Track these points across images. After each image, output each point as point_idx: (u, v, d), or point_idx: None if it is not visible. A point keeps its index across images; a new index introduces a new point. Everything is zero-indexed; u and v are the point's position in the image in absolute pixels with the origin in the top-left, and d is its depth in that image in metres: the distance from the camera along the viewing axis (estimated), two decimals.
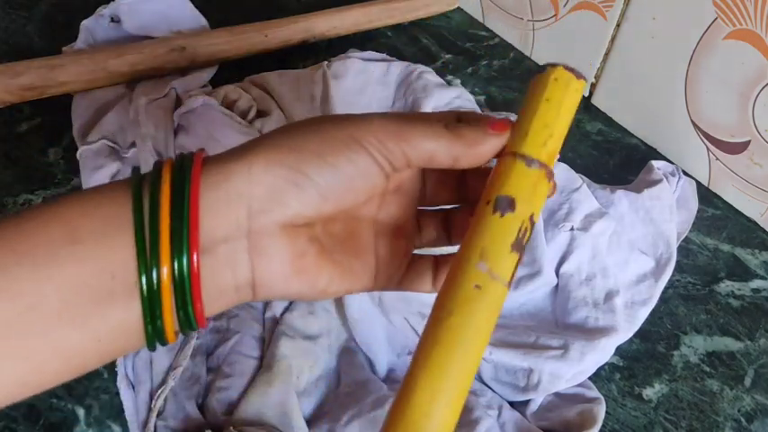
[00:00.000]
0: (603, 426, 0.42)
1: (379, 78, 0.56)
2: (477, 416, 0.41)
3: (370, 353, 0.44)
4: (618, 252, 0.48)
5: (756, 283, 0.52)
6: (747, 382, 0.47)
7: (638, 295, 0.47)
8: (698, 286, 0.51)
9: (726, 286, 0.51)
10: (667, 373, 0.47)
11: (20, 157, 0.55)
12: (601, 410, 0.42)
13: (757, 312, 0.50)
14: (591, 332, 0.44)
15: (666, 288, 0.49)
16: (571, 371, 0.42)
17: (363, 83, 0.55)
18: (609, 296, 0.46)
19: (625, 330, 0.45)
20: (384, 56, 0.58)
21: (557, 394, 0.43)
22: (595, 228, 0.47)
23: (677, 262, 0.49)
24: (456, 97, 0.54)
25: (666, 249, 0.49)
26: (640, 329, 0.47)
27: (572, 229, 0.47)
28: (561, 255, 0.47)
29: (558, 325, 0.46)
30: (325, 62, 0.55)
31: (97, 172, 0.51)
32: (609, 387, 0.46)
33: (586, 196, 0.49)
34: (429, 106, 0.53)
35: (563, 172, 0.50)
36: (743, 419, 0.45)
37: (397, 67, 0.56)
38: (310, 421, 0.41)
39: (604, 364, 0.45)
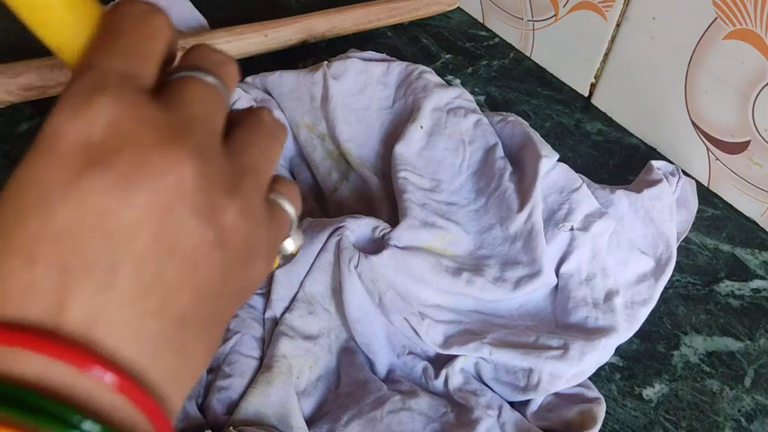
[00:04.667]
0: (603, 426, 0.42)
1: (379, 78, 0.56)
2: (477, 416, 0.41)
3: (369, 353, 0.44)
4: (618, 252, 0.48)
5: (756, 283, 0.52)
6: (747, 382, 0.47)
7: (638, 295, 0.47)
8: (698, 286, 0.51)
9: (726, 286, 0.51)
10: (667, 373, 0.47)
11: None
12: (601, 410, 0.42)
13: (757, 312, 0.50)
14: (591, 332, 0.44)
15: (666, 288, 0.49)
16: (571, 371, 0.42)
17: (363, 83, 0.55)
18: (609, 296, 0.46)
19: (625, 330, 0.45)
20: (384, 56, 0.58)
21: (557, 394, 0.43)
22: (595, 228, 0.47)
23: (677, 262, 0.49)
24: (456, 97, 0.54)
25: (666, 249, 0.49)
26: (640, 329, 0.47)
27: (572, 229, 0.47)
28: (561, 255, 0.47)
29: (557, 325, 0.46)
30: (325, 62, 0.55)
31: None
32: (609, 387, 0.46)
33: (586, 196, 0.49)
34: (429, 106, 0.53)
35: (563, 172, 0.50)
36: (743, 419, 0.45)
37: (397, 67, 0.56)
38: (310, 421, 0.41)
39: (604, 364, 0.45)
